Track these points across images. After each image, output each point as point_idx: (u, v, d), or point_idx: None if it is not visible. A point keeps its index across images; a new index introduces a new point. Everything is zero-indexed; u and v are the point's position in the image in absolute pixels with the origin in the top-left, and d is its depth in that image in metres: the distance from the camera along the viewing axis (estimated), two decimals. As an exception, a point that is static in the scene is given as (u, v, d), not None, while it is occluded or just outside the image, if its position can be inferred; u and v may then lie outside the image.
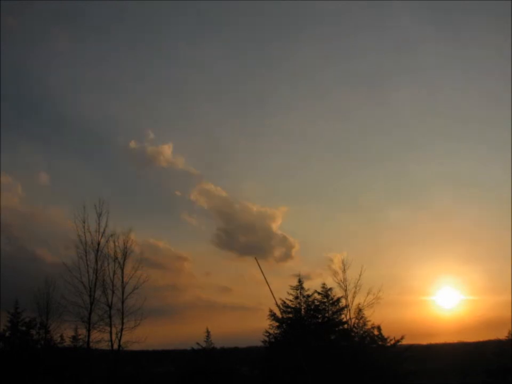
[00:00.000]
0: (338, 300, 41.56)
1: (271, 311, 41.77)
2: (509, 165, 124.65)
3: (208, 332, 46.25)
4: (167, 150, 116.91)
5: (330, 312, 41.97)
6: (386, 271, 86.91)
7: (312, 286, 42.84)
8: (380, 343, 41.86)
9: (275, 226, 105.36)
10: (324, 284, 42.38)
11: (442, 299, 74.41)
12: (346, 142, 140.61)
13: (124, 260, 38.52)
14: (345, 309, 41.20)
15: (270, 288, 21.26)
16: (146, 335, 37.47)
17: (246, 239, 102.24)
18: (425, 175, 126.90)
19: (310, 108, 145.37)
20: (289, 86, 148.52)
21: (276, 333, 42.16)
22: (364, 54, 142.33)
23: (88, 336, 37.94)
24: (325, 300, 41.96)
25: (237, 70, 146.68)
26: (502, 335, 52.31)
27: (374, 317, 40.88)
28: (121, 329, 37.53)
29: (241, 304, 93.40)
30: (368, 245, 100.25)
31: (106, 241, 38.43)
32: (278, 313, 41.73)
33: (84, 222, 38.52)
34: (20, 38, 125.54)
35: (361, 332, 41.71)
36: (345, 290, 40.75)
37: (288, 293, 42.02)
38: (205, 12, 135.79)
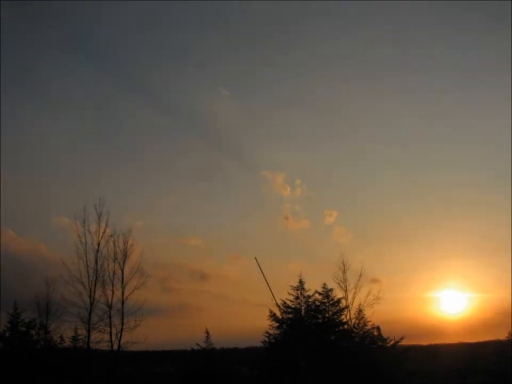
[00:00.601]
0: (339, 300, 41.58)
1: (271, 311, 41.73)
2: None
3: (207, 333, 46.34)
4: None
5: (330, 312, 41.94)
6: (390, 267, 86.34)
7: (312, 286, 42.66)
8: (379, 343, 41.92)
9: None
10: (325, 284, 42.45)
11: (452, 296, 73.84)
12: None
13: (124, 261, 38.61)
14: (346, 309, 41.29)
15: (270, 288, 21.25)
16: (146, 336, 37.59)
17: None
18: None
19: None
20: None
21: (276, 334, 42.10)
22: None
23: (88, 336, 38.01)
24: (325, 301, 41.93)
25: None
26: (502, 335, 52.41)
27: (376, 315, 40.99)
28: (121, 330, 37.63)
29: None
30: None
31: (106, 242, 38.55)
32: (278, 314, 41.72)
33: (84, 223, 38.65)
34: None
35: (361, 332, 41.75)
36: (345, 291, 40.90)
37: (288, 293, 42.05)
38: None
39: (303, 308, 42.03)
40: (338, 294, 41.67)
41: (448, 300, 73.24)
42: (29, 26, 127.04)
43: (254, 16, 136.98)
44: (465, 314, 70.75)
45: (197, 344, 46.02)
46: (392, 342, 41.61)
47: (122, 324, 37.61)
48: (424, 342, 75.81)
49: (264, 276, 20.46)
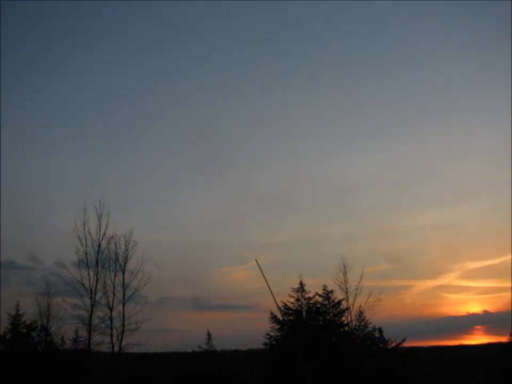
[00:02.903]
0: (339, 302, 41.51)
1: (271, 313, 41.79)
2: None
3: (209, 335, 46.47)
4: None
5: (331, 314, 41.90)
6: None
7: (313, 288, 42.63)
8: (381, 345, 41.81)
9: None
10: (325, 286, 42.44)
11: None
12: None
13: (125, 262, 38.61)
14: (346, 311, 41.20)
15: (270, 290, 21.21)
16: (146, 337, 37.55)
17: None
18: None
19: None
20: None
21: (277, 335, 42.09)
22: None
23: (89, 338, 38.01)
24: (326, 302, 41.92)
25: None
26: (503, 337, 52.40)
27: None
28: (122, 331, 37.61)
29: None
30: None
31: (107, 243, 38.52)
32: (279, 315, 41.71)
33: (85, 224, 38.61)
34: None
35: (362, 334, 41.65)
36: (346, 293, 40.75)
37: (289, 295, 42.08)
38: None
39: (303, 309, 42.02)
40: (339, 295, 41.70)
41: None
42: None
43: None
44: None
45: (198, 346, 46.21)
46: (393, 344, 41.53)
47: (123, 325, 37.62)
48: (425, 344, 75.75)
49: (265, 277, 20.45)
